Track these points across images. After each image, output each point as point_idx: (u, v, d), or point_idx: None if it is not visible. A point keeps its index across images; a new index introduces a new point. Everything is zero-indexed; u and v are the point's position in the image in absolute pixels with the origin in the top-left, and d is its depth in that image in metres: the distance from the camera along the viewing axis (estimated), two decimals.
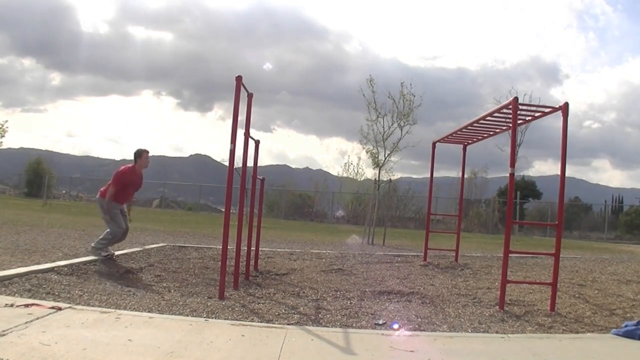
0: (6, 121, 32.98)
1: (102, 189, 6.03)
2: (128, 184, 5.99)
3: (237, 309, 3.85)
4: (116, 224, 5.79)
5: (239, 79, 4.39)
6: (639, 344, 3.33)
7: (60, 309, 3.25)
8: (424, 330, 3.56)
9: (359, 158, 29.29)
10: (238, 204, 5.07)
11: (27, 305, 3.24)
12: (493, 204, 28.46)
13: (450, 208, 27.95)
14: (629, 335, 3.45)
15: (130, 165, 6.11)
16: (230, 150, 4.35)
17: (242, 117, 4.86)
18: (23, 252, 5.85)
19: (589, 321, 4.08)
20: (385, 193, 14.41)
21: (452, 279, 6.06)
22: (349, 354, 2.83)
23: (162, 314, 3.52)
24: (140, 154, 6.10)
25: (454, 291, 5.18)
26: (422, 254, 7.95)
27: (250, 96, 4.93)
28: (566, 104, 4.58)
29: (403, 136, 18.46)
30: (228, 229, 4.24)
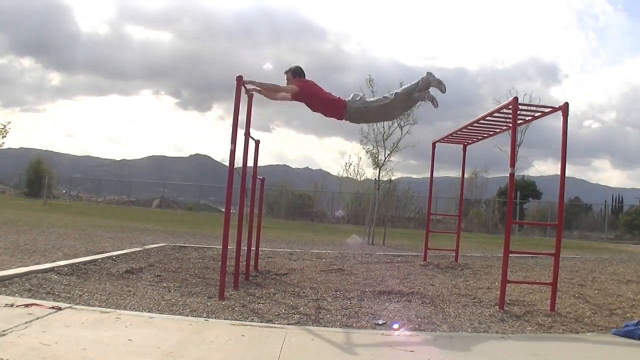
0: (9, 122, 33.02)
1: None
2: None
3: (237, 309, 3.85)
4: None
5: (239, 78, 4.39)
6: (639, 344, 3.34)
7: (60, 309, 3.25)
8: (424, 330, 3.56)
9: (360, 158, 29.34)
10: (238, 204, 5.06)
11: (27, 305, 3.24)
12: (493, 204, 28.47)
13: (450, 208, 27.96)
14: (629, 335, 3.45)
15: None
16: (231, 150, 4.34)
17: (242, 117, 4.85)
18: (23, 252, 5.85)
19: (589, 321, 4.08)
20: (385, 193, 14.42)
21: (452, 279, 6.06)
22: (349, 354, 2.83)
23: (162, 314, 3.52)
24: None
25: (454, 291, 5.18)
26: (422, 254, 7.95)
27: (250, 96, 4.93)
28: (566, 104, 4.58)
29: (403, 136, 18.47)
30: (228, 229, 4.24)
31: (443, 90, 4.65)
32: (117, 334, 2.81)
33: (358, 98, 4.62)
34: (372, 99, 4.80)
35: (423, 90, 4.61)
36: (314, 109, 4.73)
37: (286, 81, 4.78)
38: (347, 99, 4.61)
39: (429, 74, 4.63)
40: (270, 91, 4.74)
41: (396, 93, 4.64)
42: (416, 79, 4.62)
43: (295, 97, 4.71)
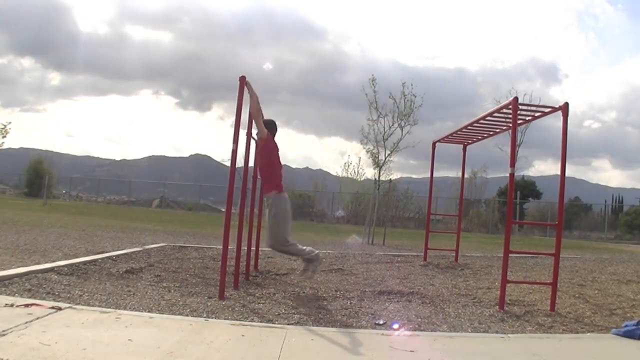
0: (9, 122, 33.00)
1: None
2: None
3: (237, 309, 3.85)
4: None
5: (242, 79, 4.40)
6: (639, 344, 3.33)
7: (60, 309, 3.25)
8: (424, 330, 3.56)
9: (360, 158, 29.37)
10: (238, 203, 5.07)
11: (27, 305, 3.24)
12: (493, 204, 28.47)
13: (450, 208, 27.95)
14: (629, 335, 3.45)
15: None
16: (233, 150, 4.34)
17: (243, 117, 4.85)
18: (23, 252, 5.85)
19: (589, 321, 4.08)
20: (385, 193, 14.42)
21: (452, 279, 6.06)
22: (349, 354, 2.83)
23: (162, 314, 3.52)
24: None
25: (454, 291, 5.18)
26: (422, 254, 7.94)
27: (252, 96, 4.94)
28: (566, 104, 4.58)
29: (403, 136, 18.48)
30: (229, 229, 4.24)
31: (309, 276, 4.97)
32: (117, 334, 2.81)
33: (283, 211, 4.78)
34: (279, 223, 4.81)
35: (306, 265, 4.92)
36: (262, 163, 4.88)
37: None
38: (283, 194, 4.81)
39: (317, 265, 4.97)
40: (253, 107, 4.77)
41: (287, 241, 4.81)
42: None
43: (259, 139, 4.84)
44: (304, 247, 4.95)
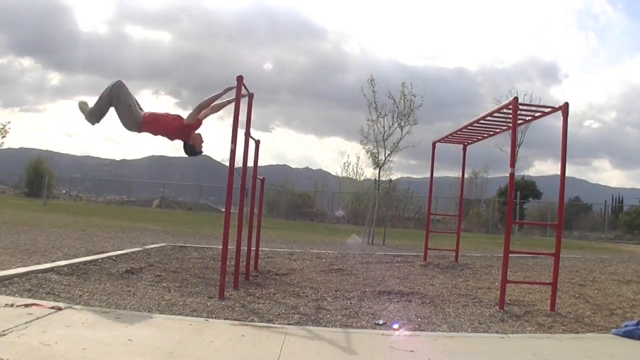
0: (9, 122, 33.05)
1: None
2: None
3: (237, 309, 3.85)
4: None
5: (239, 79, 4.40)
6: (639, 344, 3.34)
7: (60, 309, 3.25)
8: (424, 330, 3.56)
9: (358, 158, 29.43)
10: (238, 204, 5.07)
11: (27, 305, 3.24)
12: (493, 204, 28.47)
13: (450, 208, 27.96)
14: (629, 335, 3.45)
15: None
16: (231, 150, 4.35)
17: (242, 118, 4.82)
18: (23, 252, 5.85)
19: (589, 321, 4.08)
20: (385, 193, 14.43)
21: (452, 279, 6.06)
22: (349, 354, 2.83)
23: (162, 314, 3.52)
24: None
25: (454, 291, 5.18)
26: (422, 254, 7.95)
27: (250, 96, 4.94)
28: (566, 104, 4.58)
29: (403, 136, 18.50)
30: (228, 229, 4.24)
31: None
32: (117, 334, 2.81)
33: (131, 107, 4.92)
34: (132, 108, 4.95)
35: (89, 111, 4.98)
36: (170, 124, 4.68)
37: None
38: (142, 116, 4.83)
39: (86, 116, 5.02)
40: (213, 97, 4.60)
41: (100, 107, 5.00)
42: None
43: (186, 121, 4.63)
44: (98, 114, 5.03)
